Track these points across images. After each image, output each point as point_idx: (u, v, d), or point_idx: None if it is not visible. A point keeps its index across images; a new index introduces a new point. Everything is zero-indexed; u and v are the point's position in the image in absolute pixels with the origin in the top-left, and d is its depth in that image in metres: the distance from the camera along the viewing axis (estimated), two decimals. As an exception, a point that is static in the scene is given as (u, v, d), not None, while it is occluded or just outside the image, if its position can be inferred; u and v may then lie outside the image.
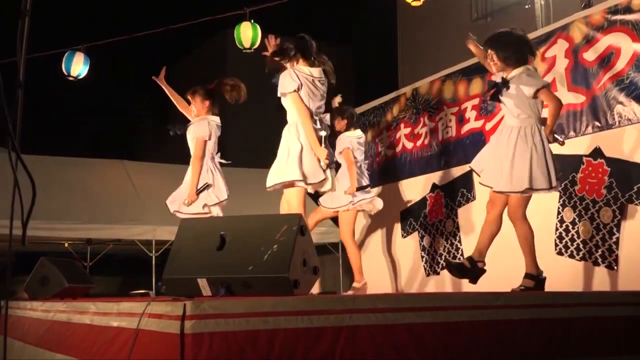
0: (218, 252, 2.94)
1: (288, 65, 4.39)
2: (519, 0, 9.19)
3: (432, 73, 6.45)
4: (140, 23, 8.90)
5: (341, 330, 2.25)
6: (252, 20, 7.23)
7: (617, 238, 4.37)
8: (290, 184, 4.29)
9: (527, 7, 8.27)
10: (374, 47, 16.00)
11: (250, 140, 16.73)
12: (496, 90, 4.11)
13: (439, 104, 6.18)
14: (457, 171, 5.88)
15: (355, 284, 5.60)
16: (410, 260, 6.39)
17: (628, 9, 4.44)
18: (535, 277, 3.90)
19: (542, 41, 5.11)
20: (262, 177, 7.21)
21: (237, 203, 5.70)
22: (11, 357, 3.58)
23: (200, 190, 5.13)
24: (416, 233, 6.35)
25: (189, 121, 5.48)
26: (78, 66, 7.69)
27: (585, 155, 4.66)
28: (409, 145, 6.59)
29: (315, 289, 4.84)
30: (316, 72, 4.35)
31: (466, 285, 5.65)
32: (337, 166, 5.56)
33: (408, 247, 6.44)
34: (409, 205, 6.46)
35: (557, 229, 4.80)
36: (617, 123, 4.47)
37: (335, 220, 6.48)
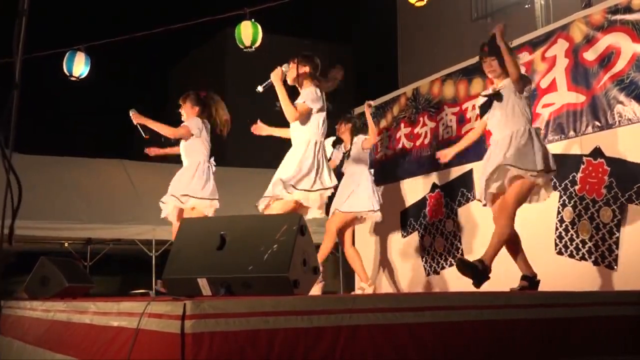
0: (218, 252, 2.94)
1: (312, 83, 4.58)
2: (519, 0, 9.19)
3: (432, 73, 6.45)
4: (140, 23, 8.90)
5: (341, 330, 2.25)
6: (253, 20, 7.23)
7: (617, 238, 4.37)
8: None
9: (527, 7, 8.26)
10: (374, 47, 16.01)
11: (250, 141, 16.74)
12: (487, 104, 4.10)
13: (439, 104, 6.18)
14: (457, 171, 5.87)
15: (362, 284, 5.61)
16: (410, 260, 6.39)
17: (628, 9, 4.44)
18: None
19: (542, 41, 5.11)
20: (262, 177, 7.23)
21: (237, 203, 5.71)
22: (11, 357, 3.58)
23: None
24: (416, 233, 6.34)
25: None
26: (80, 66, 7.71)
27: (585, 155, 4.66)
28: (409, 145, 6.59)
29: (317, 291, 4.84)
30: None
31: (466, 286, 5.66)
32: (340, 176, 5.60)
33: (408, 247, 6.44)
34: (409, 205, 6.46)
35: (557, 229, 4.80)
36: (617, 123, 4.47)
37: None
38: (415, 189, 6.40)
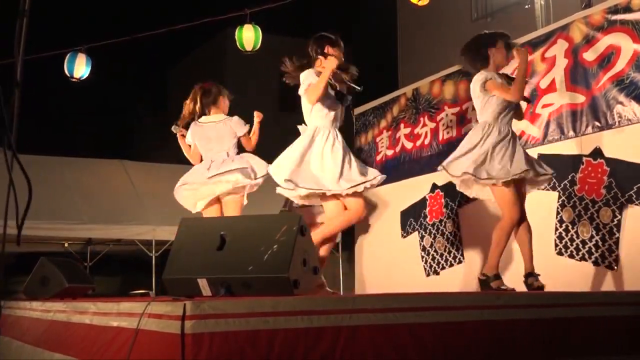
0: (218, 252, 2.94)
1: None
2: (519, 0, 9.19)
3: (432, 73, 6.45)
4: (141, 24, 8.90)
5: (341, 330, 2.25)
6: (253, 23, 7.23)
7: (617, 238, 4.37)
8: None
9: (527, 7, 8.26)
10: (374, 47, 16.00)
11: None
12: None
13: (440, 104, 6.18)
14: (457, 171, 5.87)
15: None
16: (410, 260, 6.38)
17: (628, 9, 4.44)
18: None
19: (542, 41, 5.12)
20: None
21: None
22: (10, 357, 3.58)
23: None
24: (416, 233, 6.34)
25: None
26: (80, 67, 7.73)
27: (585, 155, 4.66)
28: (409, 145, 6.59)
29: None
30: None
31: (466, 286, 5.66)
32: None
33: (408, 247, 6.44)
34: (408, 205, 6.46)
35: (556, 229, 4.80)
36: (617, 123, 4.47)
37: None
38: (415, 189, 6.40)
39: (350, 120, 7.21)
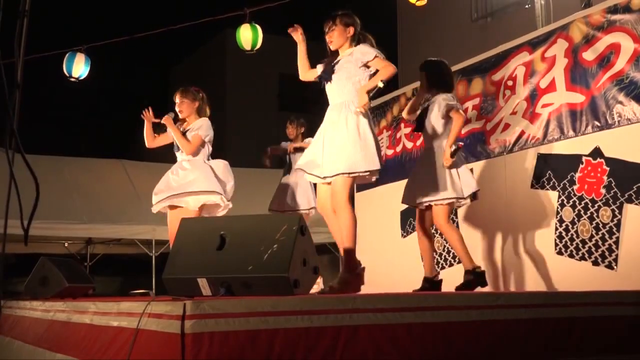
0: (218, 252, 2.94)
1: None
2: (519, 0, 9.19)
3: (432, 73, 6.44)
4: (141, 24, 8.90)
5: (341, 330, 2.25)
6: (253, 22, 7.23)
7: (617, 238, 4.37)
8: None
9: (527, 7, 8.27)
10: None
11: (250, 140, 16.75)
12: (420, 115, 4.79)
13: (439, 103, 6.17)
14: (457, 171, 5.87)
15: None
16: (410, 260, 6.38)
17: (628, 9, 4.44)
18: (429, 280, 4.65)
19: (542, 41, 5.12)
20: (262, 177, 7.23)
21: (237, 203, 5.69)
22: (11, 357, 3.58)
23: None
24: (416, 233, 6.33)
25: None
26: (79, 67, 7.72)
27: (585, 155, 4.66)
28: (409, 145, 6.59)
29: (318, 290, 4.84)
30: None
31: (466, 285, 5.65)
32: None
33: (408, 247, 6.43)
34: (409, 205, 6.45)
35: (556, 229, 4.80)
36: (616, 123, 4.47)
37: None
38: (415, 189, 6.38)
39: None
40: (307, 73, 4.31)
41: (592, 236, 4.54)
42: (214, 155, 5.48)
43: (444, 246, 5.98)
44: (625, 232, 4.33)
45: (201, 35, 18.07)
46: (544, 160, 4.98)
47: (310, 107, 11.29)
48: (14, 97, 2.12)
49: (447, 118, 4.53)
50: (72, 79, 7.76)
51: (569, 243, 4.71)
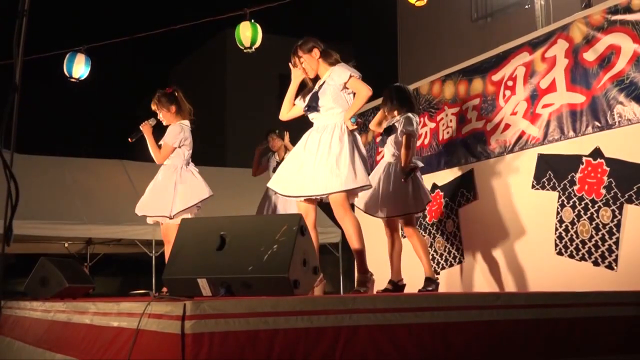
0: (218, 252, 2.94)
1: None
2: (519, 0, 9.20)
3: (432, 73, 6.45)
4: (141, 24, 8.91)
5: (341, 330, 2.25)
6: (252, 20, 7.24)
7: (617, 238, 4.37)
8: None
9: (527, 7, 8.27)
10: (374, 47, 16.01)
11: (250, 141, 16.77)
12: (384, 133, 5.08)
13: (440, 104, 6.18)
14: (457, 171, 5.88)
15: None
16: (410, 260, 6.38)
17: (628, 9, 4.43)
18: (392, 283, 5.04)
19: (542, 41, 5.11)
20: (261, 177, 7.23)
21: (236, 203, 5.71)
22: (11, 358, 3.58)
23: None
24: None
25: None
26: (79, 67, 7.73)
27: (585, 155, 4.66)
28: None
29: (319, 291, 4.85)
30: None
31: (466, 286, 5.66)
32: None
33: (408, 247, 6.43)
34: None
35: (556, 229, 4.80)
36: (617, 123, 4.47)
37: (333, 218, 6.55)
38: (415, 189, 6.38)
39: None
40: (289, 112, 4.45)
41: (592, 236, 4.54)
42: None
43: (445, 246, 5.98)
44: (625, 232, 4.33)
45: (201, 35, 18.08)
46: (544, 161, 4.98)
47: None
48: (11, 98, 2.11)
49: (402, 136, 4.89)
50: (73, 80, 7.77)
51: (569, 243, 4.72)
